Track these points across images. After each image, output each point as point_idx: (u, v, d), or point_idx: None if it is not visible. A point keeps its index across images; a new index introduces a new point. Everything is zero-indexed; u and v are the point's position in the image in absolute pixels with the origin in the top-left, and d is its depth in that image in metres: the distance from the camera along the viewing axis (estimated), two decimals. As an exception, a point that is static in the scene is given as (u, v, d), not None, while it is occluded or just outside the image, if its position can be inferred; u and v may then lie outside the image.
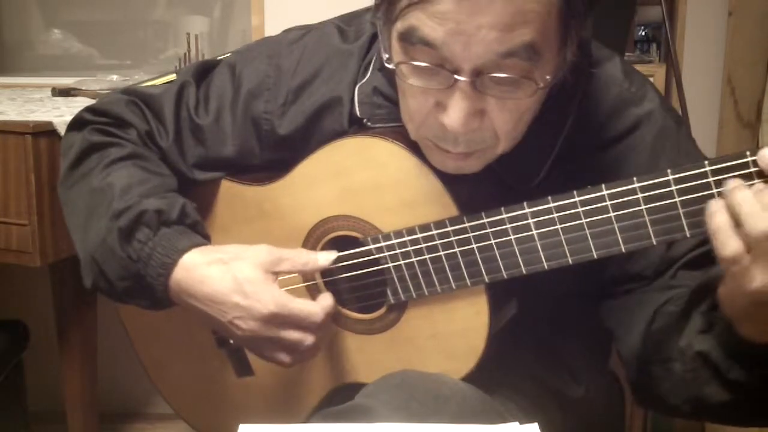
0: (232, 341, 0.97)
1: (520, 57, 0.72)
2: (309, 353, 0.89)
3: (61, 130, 1.34)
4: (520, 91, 0.75)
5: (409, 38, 0.74)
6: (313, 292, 0.96)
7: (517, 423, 0.70)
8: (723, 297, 0.72)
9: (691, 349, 0.80)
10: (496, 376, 0.92)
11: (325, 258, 0.90)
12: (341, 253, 0.92)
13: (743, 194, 0.67)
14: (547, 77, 0.76)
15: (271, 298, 0.86)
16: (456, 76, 0.73)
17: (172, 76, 1.09)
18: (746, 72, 1.83)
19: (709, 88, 1.89)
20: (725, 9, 1.86)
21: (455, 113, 0.75)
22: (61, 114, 1.42)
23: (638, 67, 1.31)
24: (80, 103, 1.60)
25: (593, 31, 0.89)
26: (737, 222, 0.67)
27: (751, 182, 0.68)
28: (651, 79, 1.77)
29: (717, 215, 0.68)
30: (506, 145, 0.81)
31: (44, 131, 1.35)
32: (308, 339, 0.87)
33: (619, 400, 1.11)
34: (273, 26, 1.97)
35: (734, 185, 0.68)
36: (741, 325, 0.73)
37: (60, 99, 1.71)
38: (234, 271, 0.87)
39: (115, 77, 1.87)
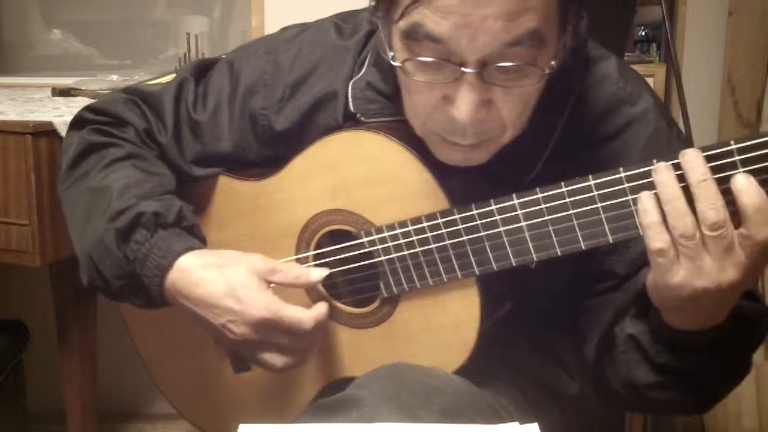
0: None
1: (525, 45, 0.73)
2: (298, 359, 0.90)
3: (61, 130, 1.34)
4: (526, 78, 0.76)
5: (414, 35, 0.75)
6: (308, 289, 0.96)
7: (517, 423, 0.70)
8: (649, 287, 0.75)
9: (623, 332, 0.83)
10: (489, 371, 0.93)
11: (317, 274, 0.91)
12: (334, 247, 0.93)
13: (671, 191, 0.69)
14: (552, 62, 0.76)
15: (263, 304, 0.86)
16: (463, 69, 0.74)
17: (172, 76, 1.10)
18: (746, 72, 1.83)
19: (709, 88, 1.89)
20: (725, 9, 1.86)
21: (464, 105, 0.75)
22: (61, 114, 1.42)
23: (638, 67, 1.31)
24: (80, 103, 1.60)
25: (592, 31, 0.90)
26: (664, 217, 0.70)
27: (678, 171, 0.70)
28: (651, 79, 1.78)
29: (649, 211, 0.71)
30: (512, 133, 0.81)
31: (44, 131, 1.35)
32: (297, 345, 0.88)
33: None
34: (273, 26, 1.96)
35: (663, 178, 0.70)
36: (666, 313, 0.77)
37: (60, 99, 1.71)
38: (228, 275, 0.88)
39: (115, 77, 1.87)
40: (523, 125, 0.82)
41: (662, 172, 0.70)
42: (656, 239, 0.70)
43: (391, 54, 0.79)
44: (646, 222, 0.71)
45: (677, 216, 0.69)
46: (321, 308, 0.89)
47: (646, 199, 0.71)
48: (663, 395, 0.84)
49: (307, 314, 0.87)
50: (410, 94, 0.81)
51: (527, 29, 0.72)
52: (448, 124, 0.79)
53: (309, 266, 0.95)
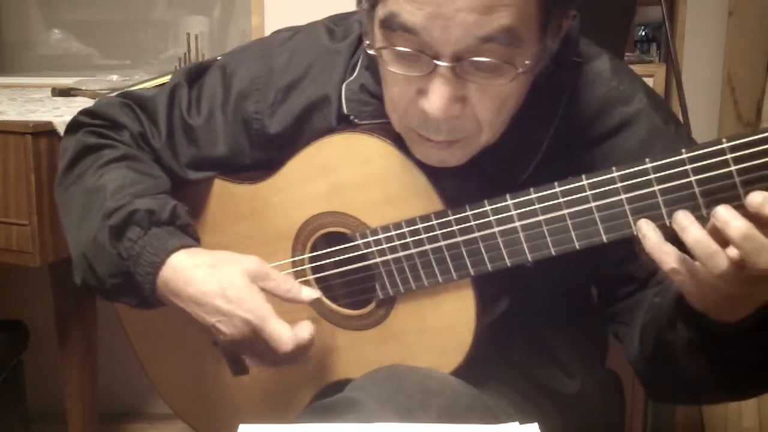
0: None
1: (500, 42, 0.73)
2: (292, 358, 0.89)
3: (61, 130, 1.34)
4: (501, 77, 0.76)
5: (390, 24, 0.75)
6: None
7: (516, 423, 0.70)
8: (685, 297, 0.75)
9: (683, 339, 0.82)
10: (487, 372, 0.93)
11: (308, 294, 0.90)
12: (329, 249, 0.93)
13: (695, 234, 0.68)
14: (527, 62, 0.76)
15: (251, 307, 0.86)
16: (436, 62, 0.74)
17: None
18: (746, 72, 1.82)
19: (709, 88, 1.89)
20: (725, 9, 1.86)
21: (436, 99, 0.76)
22: (61, 114, 1.42)
23: (638, 67, 1.31)
24: (80, 103, 1.60)
25: (591, 31, 0.90)
26: (692, 257, 0.69)
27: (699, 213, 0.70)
28: (651, 79, 1.78)
29: (648, 237, 0.71)
30: (489, 134, 0.81)
31: (44, 131, 1.35)
32: (276, 357, 0.87)
33: (619, 398, 1.11)
34: (273, 26, 1.94)
35: (684, 224, 0.69)
36: (711, 314, 0.75)
37: (60, 99, 1.71)
38: (220, 275, 0.88)
39: (115, 77, 1.87)
40: (501, 127, 0.82)
41: (679, 220, 0.70)
42: (665, 261, 0.70)
43: (368, 42, 0.80)
44: (650, 247, 0.71)
45: (706, 257, 0.67)
46: (304, 332, 0.87)
47: (642, 224, 0.72)
48: (734, 387, 0.84)
49: (289, 336, 0.86)
50: (388, 86, 0.82)
51: (501, 26, 0.72)
52: (422, 119, 0.79)
53: (304, 280, 0.95)
